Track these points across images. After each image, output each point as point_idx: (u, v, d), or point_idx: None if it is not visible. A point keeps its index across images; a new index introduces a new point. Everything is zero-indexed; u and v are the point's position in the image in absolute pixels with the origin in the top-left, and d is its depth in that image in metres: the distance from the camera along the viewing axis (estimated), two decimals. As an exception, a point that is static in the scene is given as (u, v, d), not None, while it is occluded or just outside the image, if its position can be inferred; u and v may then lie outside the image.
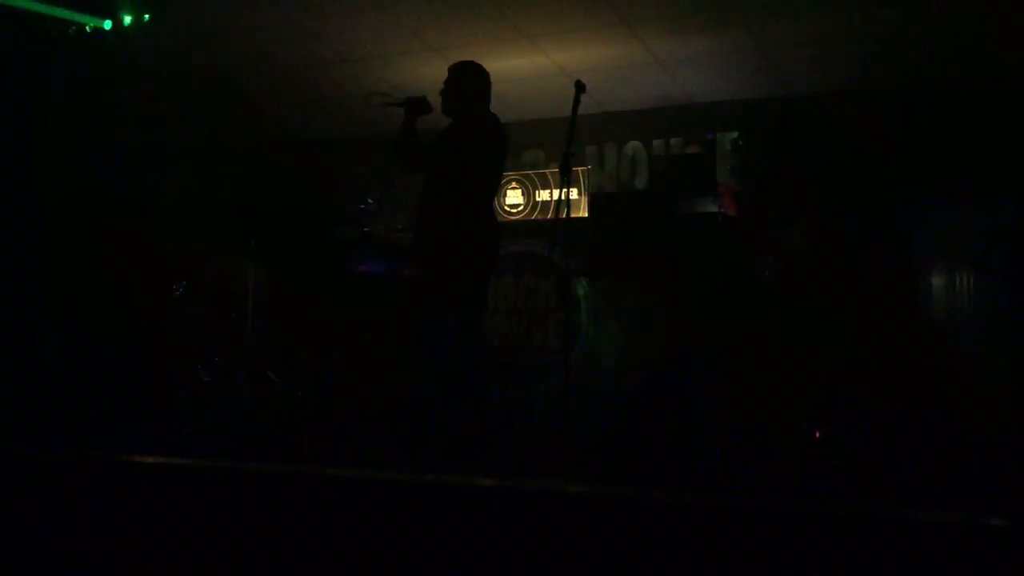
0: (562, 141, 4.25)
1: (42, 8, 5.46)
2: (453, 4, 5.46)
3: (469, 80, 4.51)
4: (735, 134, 6.79)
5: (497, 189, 4.69)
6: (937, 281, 5.88)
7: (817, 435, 4.21)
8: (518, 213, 6.67)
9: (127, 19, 5.58)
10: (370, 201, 6.03)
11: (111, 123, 6.58)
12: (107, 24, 5.57)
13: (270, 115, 7.51)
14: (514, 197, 6.70)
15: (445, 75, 4.58)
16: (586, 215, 6.26)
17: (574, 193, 6.41)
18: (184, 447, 4.72)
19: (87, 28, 5.60)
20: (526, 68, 6.37)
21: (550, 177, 6.65)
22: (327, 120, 7.33)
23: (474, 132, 4.41)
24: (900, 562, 2.62)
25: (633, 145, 7.28)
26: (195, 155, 7.08)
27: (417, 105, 4.48)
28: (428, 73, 5.48)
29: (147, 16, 5.54)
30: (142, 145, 6.71)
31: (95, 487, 3.71)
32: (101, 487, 3.71)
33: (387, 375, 5.43)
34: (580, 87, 4.27)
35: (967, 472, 3.80)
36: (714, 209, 5.76)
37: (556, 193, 6.43)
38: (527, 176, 6.82)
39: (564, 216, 4.21)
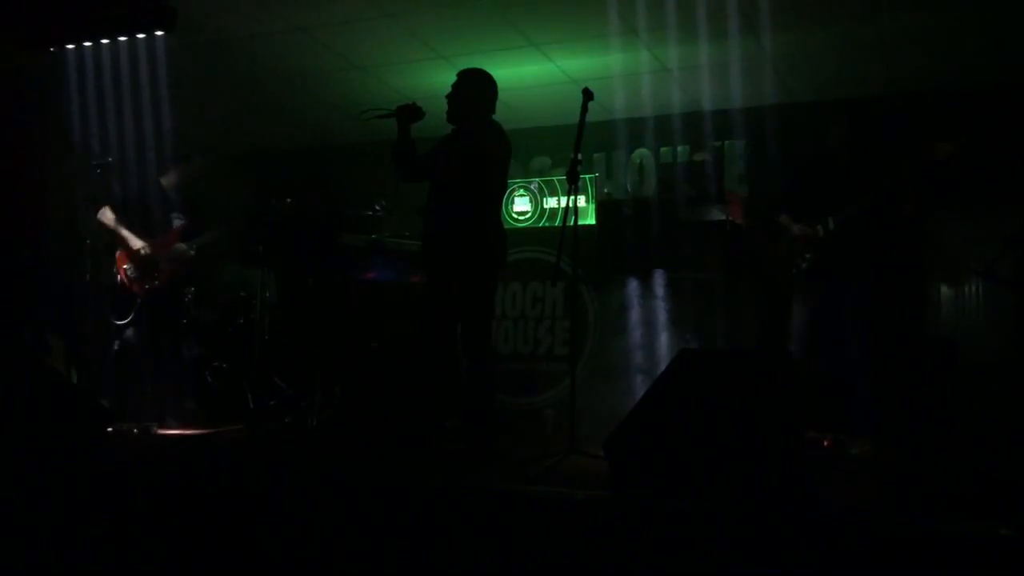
0: (570, 148, 4.25)
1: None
2: (462, 13, 5.48)
3: (474, 87, 4.52)
4: (743, 142, 6.81)
5: (502, 196, 4.70)
6: (946, 289, 5.87)
7: (826, 444, 4.21)
8: (525, 220, 6.68)
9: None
10: (378, 208, 6.04)
11: (122, 128, 6.62)
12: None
13: (279, 122, 7.55)
14: (522, 204, 6.71)
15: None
16: (593, 222, 6.26)
17: (582, 200, 6.41)
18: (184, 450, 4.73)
19: None
20: (534, 76, 6.39)
21: (558, 184, 6.65)
22: (335, 127, 7.36)
23: (476, 139, 4.42)
24: (908, 570, 2.61)
25: (641, 152, 7.29)
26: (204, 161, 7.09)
27: (409, 113, 4.50)
28: (437, 80, 5.50)
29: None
30: (153, 151, 6.73)
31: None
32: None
33: (395, 382, 5.43)
34: (588, 94, 4.28)
35: (976, 481, 3.79)
36: (722, 216, 5.77)
37: (564, 200, 6.42)
38: (535, 183, 6.83)
39: (572, 223, 4.21)
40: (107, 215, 5.66)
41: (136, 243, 5.60)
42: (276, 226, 5.83)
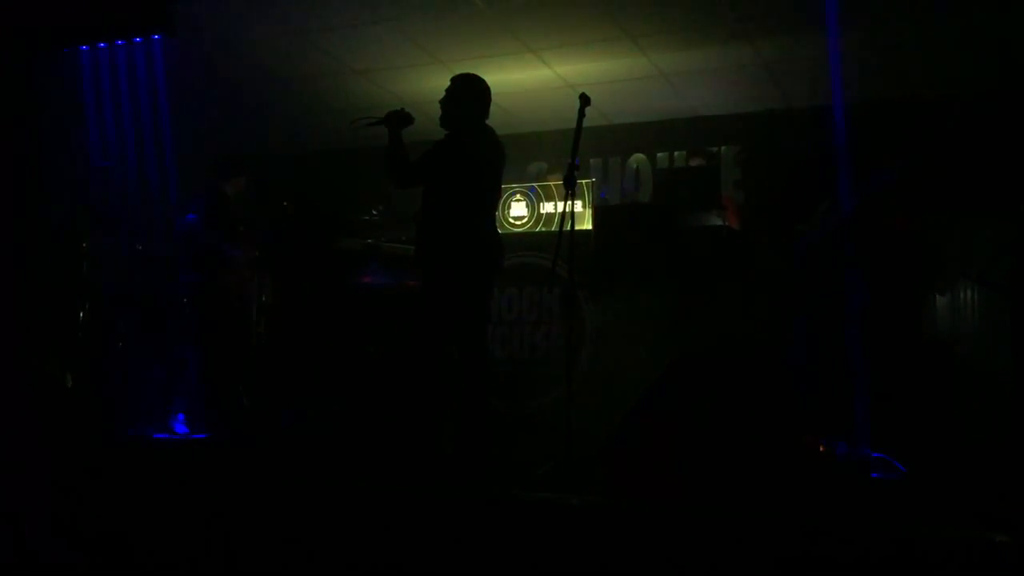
0: (567, 153, 4.26)
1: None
2: (459, 17, 5.49)
3: (467, 92, 4.52)
4: (739, 147, 6.82)
5: (497, 201, 4.70)
6: (941, 295, 5.87)
7: (821, 448, 4.21)
8: (522, 225, 6.68)
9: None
10: (374, 212, 6.04)
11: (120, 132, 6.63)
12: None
13: (276, 126, 7.55)
14: (518, 209, 6.71)
15: (449, 87, 4.60)
16: (590, 227, 6.26)
17: (578, 205, 6.41)
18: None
19: None
20: (531, 81, 6.40)
21: (554, 189, 6.65)
22: (332, 131, 7.35)
23: (470, 144, 4.42)
24: (903, 576, 2.61)
25: (637, 158, 7.30)
26: (201, 165, 7.10)
27: (398, 119, 4.50)
28: (434, 85, 5.49)
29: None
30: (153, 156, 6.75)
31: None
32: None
33: (390, 387, 5.42)
34: (585, 100, 4.29)
35: (972, 487, 3.79)
36: (718, 222, 5.77)
37: (560, 205, 6.43)
38: (531, 188, 6.84)
39: (568, 228, 4.22)
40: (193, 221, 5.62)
41: (235, 250, 5.63)
42: (273, 230, 5.84)
